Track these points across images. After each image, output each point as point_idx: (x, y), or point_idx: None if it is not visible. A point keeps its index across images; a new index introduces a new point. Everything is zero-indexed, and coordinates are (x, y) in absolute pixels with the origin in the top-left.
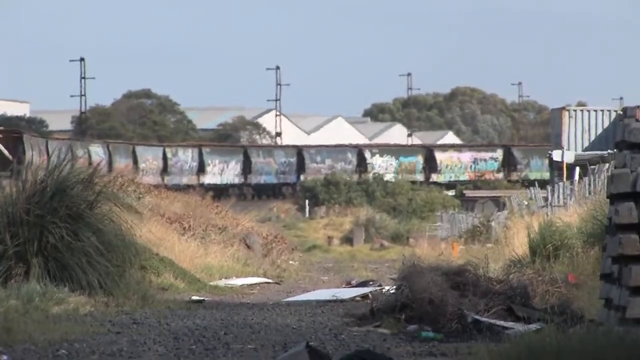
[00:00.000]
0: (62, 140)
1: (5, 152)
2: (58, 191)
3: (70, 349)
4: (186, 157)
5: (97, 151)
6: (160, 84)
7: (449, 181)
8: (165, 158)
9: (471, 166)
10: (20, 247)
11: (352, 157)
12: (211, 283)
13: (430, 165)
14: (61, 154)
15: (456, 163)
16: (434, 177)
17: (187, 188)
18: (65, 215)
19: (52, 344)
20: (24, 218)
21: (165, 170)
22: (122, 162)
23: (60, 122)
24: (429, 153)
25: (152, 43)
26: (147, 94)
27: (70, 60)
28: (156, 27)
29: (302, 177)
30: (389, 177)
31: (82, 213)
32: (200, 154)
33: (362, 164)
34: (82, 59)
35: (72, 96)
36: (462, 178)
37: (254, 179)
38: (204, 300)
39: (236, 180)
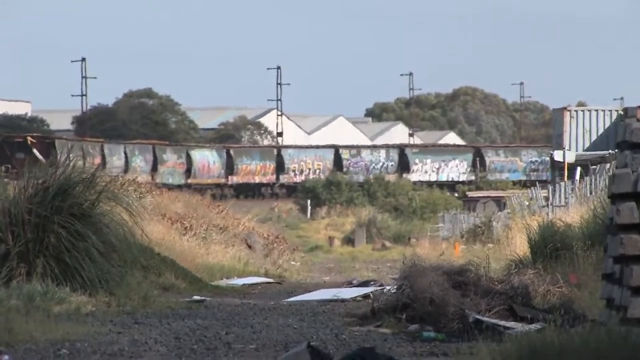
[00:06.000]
0: (140, 144)
1: (40, 156)
2: (60, 191)
3: (72, 348)
4: (375, 157)
5: (205, 155)
6: (162, 84)
7: None
8: (338, 158)
9: None
10: (23, 247)
11: None
12: (212, 283)
13: None
14: (134, 157)
15: None
16: None
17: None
18: (67, 215)
19: (54, 343)
20: (25, 218)
21: (339, 169)
22: (253, 164)
23: (61, 122)
24: None
25: (153, 43)
26: (148, 93)
27: (72, 60)
28: (156, 27)
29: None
30: None
31: (83, 213)
32: (402, 154)
33: None
34: (83, 59)
35: (73, 96)
36: None
37: (490, 176)
38: (205, 300)
39: (462, 178)
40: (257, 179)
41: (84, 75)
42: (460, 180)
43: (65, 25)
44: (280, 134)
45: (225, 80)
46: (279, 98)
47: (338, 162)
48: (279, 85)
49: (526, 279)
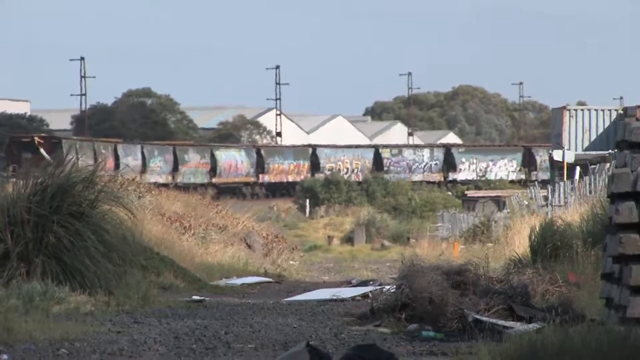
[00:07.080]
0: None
1: (47, 156)
2: (59, 190)
3: (71, 348)
4: (418, 156)
5: (232, 154)
6: (161, 83)
7: None
8: (378, 157)
9: None
10: (22, 247)
11: None
12: (212, 282)
13: None
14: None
15: None
16: None
17: (430, 184)
18: (66, 215)
19: (53, 343)
20: (25, 217)
21: (380, 168)
22: (286, 164)
23: (60, 121)
24: None
25: (152, 42)
26: (147, 93)
27: (71, 59)
28: (156, 26)
29: None
30: None
31: (83, 212)
32: (448, 153)
33: None
34: (82, 58)
35: (72, 95)
36: None
37: (540, 175)
38: (204, 299)
39: (512, 177)
40: (290, 178)
41: (82, 74)
42: (510, 179)
43: (64, 24)
44: (279, 134)
45: (224, 79)
46: (278, 97)
47: (378, 161)
48: (277, 85)
49: (525, 279)
